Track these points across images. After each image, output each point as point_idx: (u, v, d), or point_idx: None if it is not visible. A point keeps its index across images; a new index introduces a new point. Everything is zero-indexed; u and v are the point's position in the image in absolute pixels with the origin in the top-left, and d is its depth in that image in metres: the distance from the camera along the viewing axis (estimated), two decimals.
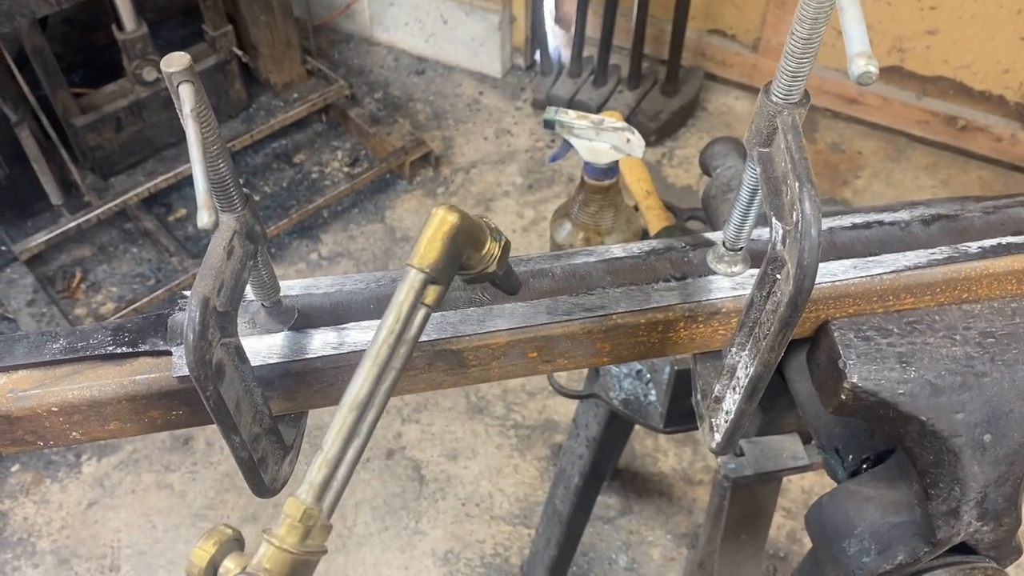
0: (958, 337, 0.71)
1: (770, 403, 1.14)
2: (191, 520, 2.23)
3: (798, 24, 0.53)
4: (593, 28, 3.09)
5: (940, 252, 0.73)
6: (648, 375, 1.33)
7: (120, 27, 2.46)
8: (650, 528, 2.21)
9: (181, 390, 0.66)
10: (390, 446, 2.37)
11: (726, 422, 0.68)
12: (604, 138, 1.09)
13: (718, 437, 0.70)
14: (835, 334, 0.71)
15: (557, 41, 3.31)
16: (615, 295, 0.71)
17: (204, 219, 0.50)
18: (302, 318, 0.69)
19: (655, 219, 1.39)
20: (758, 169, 0.61)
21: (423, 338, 0.68)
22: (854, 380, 0.68)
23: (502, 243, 0.57)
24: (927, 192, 2.93)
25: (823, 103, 3.13)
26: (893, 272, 0.71)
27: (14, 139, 2.33)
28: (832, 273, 0.71)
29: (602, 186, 1.15)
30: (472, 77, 3.38)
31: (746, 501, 1.24)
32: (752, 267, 0.73)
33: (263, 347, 0.68)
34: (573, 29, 3.10)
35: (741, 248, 0.71)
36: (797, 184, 0.55)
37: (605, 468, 1.72)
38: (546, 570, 1.90)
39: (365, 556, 2.17)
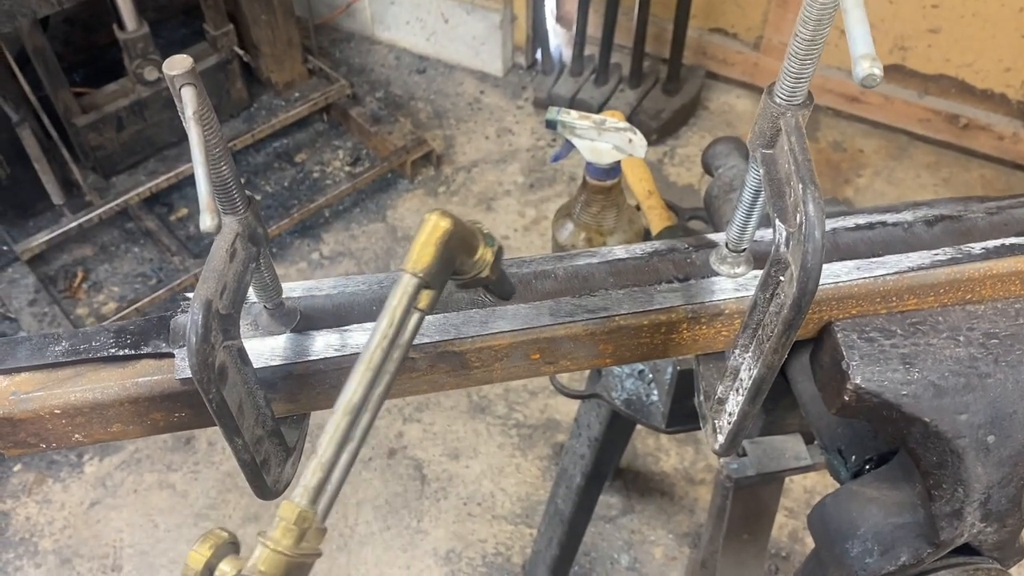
0: (962, 338, 0.71)
1: (772, 403, 1.13)
2: (193, 520, 2.23)
3: (801, 25, 0.53)
4: (594, 27, 3.08)
5: (944, 253, 0.73)
6: (650, 375, 1.33)
7: (121, 27, 2.46)
8: (652, 527, 2.21)
9: (183, 392, 0.66)
10: (392, 445, 2.37)
11: (729, 423, 0.68)
12: (606, 138, 1.08)
13: (721, 438, 0.70)
14: (838, 335, 0.71)
15: (558, 40, 3.31)
16: (618, 296, 0.70)
17: (207, 222, 0.50)
18: (304, 320, 0.69)
19: (657, 219, 1.39)
20: (761, 170, 0.61)
21: (425, 340, 0.68)
22: (857, 381, 0.68)
23: (495, 249, 0.57)
24: (929, 191, 2.93)
25: (825, 102, 3.12)
26: (896, 273, 0.71)
27: (15, 139, 2.33)
28: (835, 274, 0.71)
29: (604, 186, 1.15)
30: (473, 76, 3.38)
31: (748, 501, 1.24)
32: (755, 268, 0.72)
33: (265, 349, 0.68)
34: (574, 28, 3.10)
35: (744, 249, 0.71)
36: (801, 186, 0.54)
37: (607, 468, 1.72)
38: (548, 570, 1.90)
39: (367, 555, 2.17)
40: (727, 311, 0.71)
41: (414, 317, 0.51)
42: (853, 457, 0.85)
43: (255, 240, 0.61)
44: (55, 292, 2.61)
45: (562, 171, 3.02)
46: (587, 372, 1.55)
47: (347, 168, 3.01)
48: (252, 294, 0.69)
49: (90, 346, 0.67)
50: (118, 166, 2.68)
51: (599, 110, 3.04)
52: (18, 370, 0.67)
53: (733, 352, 0.68)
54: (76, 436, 0.68)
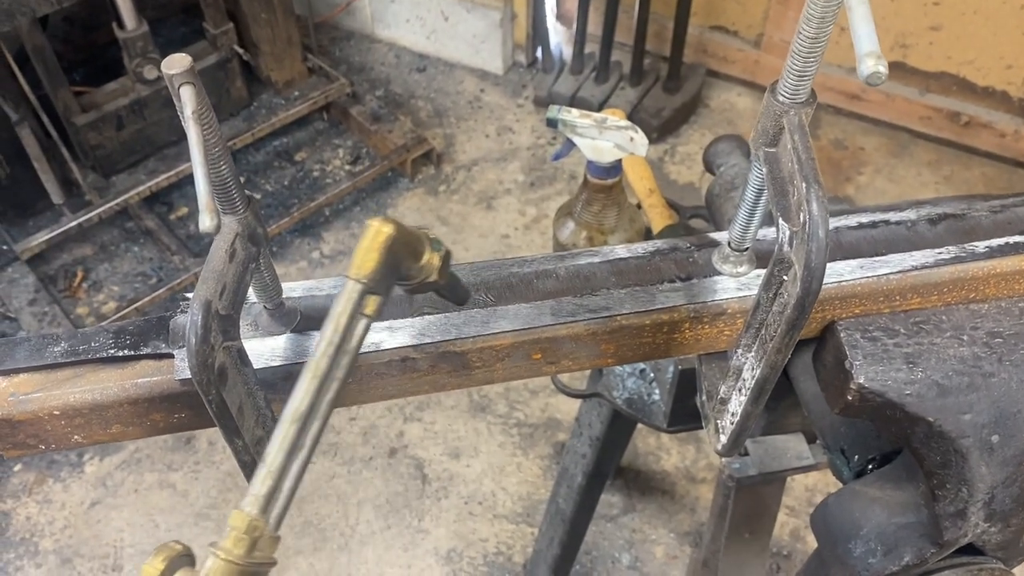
0: (965, 337, 0.70)
1: (774, 403, 1.13)
2: (194, 519, 2.23)
3: (805, 23, 0.53)
4: (595, 25, 3.08)
5: (947, 252, 0.72)
6: (652, 374, 1.33)
7: (121, 25, 2.46)
8: (653, 526, 2.21)
9: (183, 393, 0.66)
10: (392, 445, 2.37)
11: (732, 424, 0.68)
12: (607, 137, 1.08)
13: (724, 439, 0.69)
14: (841, 335, 0.70)
15: (558, 38, 3.30)
16: (620, 296, 0.70)
17: (206, 222, 0.49)
18: (304, 320, 0.69)
19: (658, 217, 1.39)
20: (764, 169, 0.60)
21: (427, 340, 0.68)
22: (861, 381, 0.68)
23: (442, 253, 0.57)
24: (930, 189, 2.93)
25: (826, 99, 3.12)
26: (900, 272, 0.71)
27: (15, 138, 2.33)
28: (838, 273, 0.71)
29: (605, 185, 1.15)
30: (473, 74, 3.37)
31: (750, 500, 1.23)
32: (758, 267, 0.72)
33: (265, 350, 0.67)
34: (575, 26, 3.09)
35: (747, 248, 0.71)
36: (804, 185, 0.54)
37: (608, 467, 1.72)
38: (549, 569, 1.90)
39: (368, 555, 2.17)
40: (730, 310, 0.71)
41: (361, 323, 0.51)
42: (856, 457, 0.84)
43: (255, 240, 0.61)
44: (55, 291, 2.61)
45: (562, 169, 3.01)
46: (588, 371, 1.55)
47: (347, 167, 3.01)
48: (252, 294, 0.68)
49: (89, 347, 0.67)
50: (118, 165, 2.68)
51: (600, 108, 3.04)
52: (17, 371, 0.66)
53: (736, 352, 0.68)
54: (75, 437, 0.68)
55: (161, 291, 2.53)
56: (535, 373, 0.72)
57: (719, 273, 0.72)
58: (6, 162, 2.44)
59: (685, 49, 3.04)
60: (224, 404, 0.58)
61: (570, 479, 1.71)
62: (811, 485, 2.24)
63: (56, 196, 2.48)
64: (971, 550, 0.76)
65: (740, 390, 0.67)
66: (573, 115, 1.08)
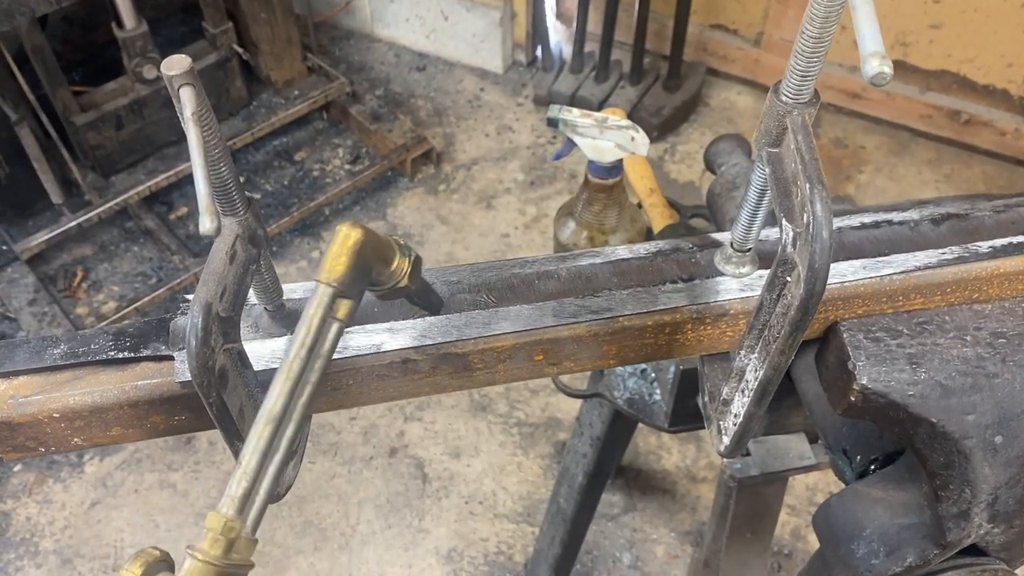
0: (969, 338, 0.70)
1: (776, 403, 1.13)
2: (194, 519, 2.22)
3: (808, 23, 0.52)
4: (594, 24, 3.07)
5: (950, 252, 0.72)
6: (653, 374, 1.32)
7: (120, 25, 2.45)
8: (654, 526, 2.21)
9: (183, 395, 0.66)
10: (393, 444, 2.37)
11: (735, 425, 0.68)
12: (608, 136, 1.08)
13: (727, 440, 0.69)
14: (844, 335, 0.70)
15: (558, 37, 3.29)
16: (622, 297, 0.70)
17: (206, 224, 0.49)
18: None
19: (659, 217, 1.39)
20: (767, 169, 0.60)
21: (428, 342, 0.67)
22: (864, 382, 0.68)
23: (411, 258, 0.58)
24: (930, 187, 2.92)
25: (826, 98, 3.12)
26: (903, 272, 0.71)
27: (14, 138, 2.33)
28: (841, 274, 0.70)
29: (606, 184, 1.14)
30: (473, 73, 3.37)
31: (752, 501, 1.23)
32: (760, 268, 0.72)
33: (266, 352, 0.67)
34: (574, 25, 3.09)
35: (749, 249, 0.71)
36: (808, 185, 0.54)
37: (609, 467, 1.71)
38: (550, 568, 1.90)
39: (368, 554, 2.17)
40: (732, 311, 0.70)
41: (333, 327, 0.52)
42: (858, 457, 0.84)
43: (255, 242, 0.61)
44: (55, 291, 2.60)
45: (562, 168, 3.01)
46: (589, 371, 1.55)
47: (347, 166, 3.00)
48: (252, 296, 0.68)
49: (89, 349, 0.67)
50: (117, 165, 2.68)
51: (600, 107, 3.04)
52: (16, 373, 0.66)
53: (739, 353, 0.68)
54: (75, 440, 0.67)
55: (161, 291, 2.52)
56: (537, 374, 0.72)
57: (721, 274, 0.72)
58: (5, 162, 2.43)
59: (685, 48, 3.03)
60: (225, 407, 0.58)
61: (571, 479, 1.71)
62: (812, 484, 2.24)
63: (56, 196, 2.47)
64: (974, 551, 0.76)
65: (743, 391, 0.66)
66: (574, 115, 1.07)
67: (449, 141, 3.12)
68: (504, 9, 3.16)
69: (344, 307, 0.52)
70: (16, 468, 2.34)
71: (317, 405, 0.71)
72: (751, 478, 1.18)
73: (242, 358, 0.61)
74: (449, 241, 2.79)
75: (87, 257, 2.75)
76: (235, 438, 0.60)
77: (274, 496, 0.67)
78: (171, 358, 0.66)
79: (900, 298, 0.71)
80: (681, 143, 3.09)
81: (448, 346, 0.67)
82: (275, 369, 0.66)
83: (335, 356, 0.67)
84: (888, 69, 0.43)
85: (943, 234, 0.74)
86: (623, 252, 0.73)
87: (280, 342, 0.67)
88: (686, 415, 1.27)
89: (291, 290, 0.71)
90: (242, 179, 2.94)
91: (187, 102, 0.51)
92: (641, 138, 1.08)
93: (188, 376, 0.61)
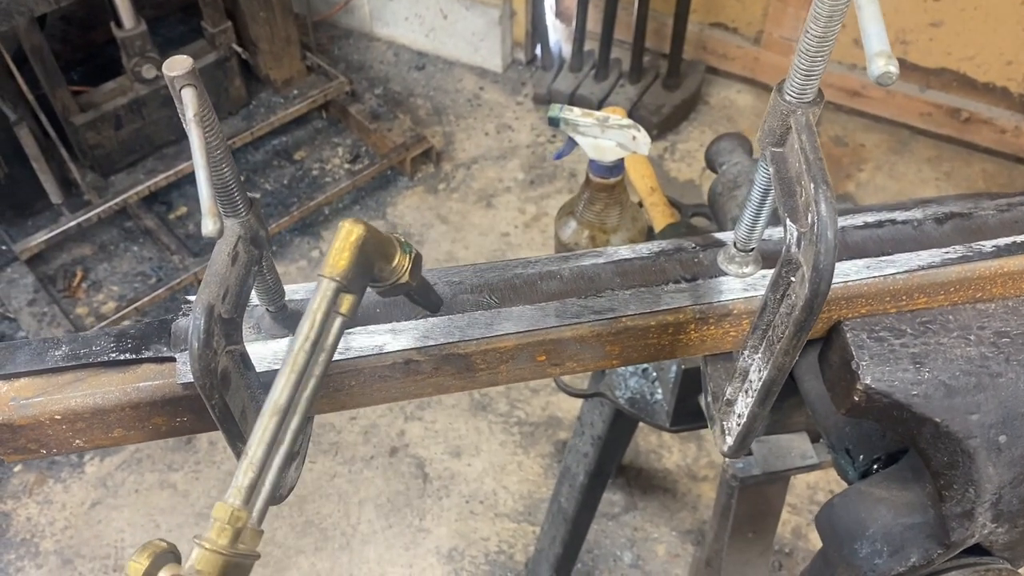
0: (972, 337, 0.70)
1: (779, 402, 1.13)
2: (194, 519, 2.22)
3: (812, 22, 0.52)
4: (594, 22, 3.07)
5: (954, 251, 0.72)
6: (654, 373, 1.32)
7: (119, 24, 2.45)
8: (655, 525, 2.20)
9: (185, 397, 0.65)
10: (393, 444, 2.36)
11: (738, 425, 0.68)
12: (609, 135, 1.07)
13: (730, 440, 0.69)
14: (848, 335, 0.70)
15: (558, 35, 3.29)
16: (624, 297, 0.70)
17: (208, 226, 0.49)
18: None
19: (660, 216, 1.38)
20: (771, 169, 0.60)
21: (430, 342, 0.67)
22: (867, 381, 0.67)
23: (412, 255, 0.59)
24: (930, 185, 2.92)
25: (826, 96, 3.10)
26: (906, 272, 0.70)
27: (13, 138, 2.32)
28: (844, 273, 0.70)
29: (607, 184, 1.14)
30: (473, 72, 3.36)
31: (754, 500, 1.23)
32: (764, 268, 0.72)
33: (268, 353, 0.67)
34: (574, 23, 3.08)
35: (752, 249, 0.70)
36: (812, 185, 0.54)
37: (610, 466, 1.71)
38: (551, 568, 1.90)
39: (369, 554, 2.17)
40: (735, 311, 0.70)
41: (336, 322, 0.52)
42: (861, 457, 0.84)
43: (257, 243, 0.60)
44: (54, 292, 2.60)
45: (562, 167, 3.01)
46: None
47: (346, 165, 3.00)
48: (254, 297, 0.68)
49: (90, 350, 0.66)
50: (117, 165, 2.67)
51: (599, 106, 3.03)
52: (18, 375, 0.66)
53: (742, 353, 0.67)
54: (77, 441, 0.67)
55: (161, 291, 2.52)
56: (539, 375, 0.72)
57: (725, 274, 0.72)
58: (5, 162, 2.43)
59: (685, 46, 3.03)
60: (227, 408, 0.57)
61: (572, 478, 1.71)
62: (813, 483, 2.24)
63: (55, 196, 2.47)
64: (978, 550, 0.75)
65: (746, 392, 0.66)
66: (575, 114, 1.07)
67: (449, 140, 3.12)
68: (503, 8, 3.16)
69: (347, 302, 0.52)
70: (16, 468, 2.34)
71: (319, 406, 0.70)
72: (753, 477, 1.18)
73: (244, 360, 0.61)
74: (449, 240, 2.79)
75: (87, 257, 2.74)
76: (238, 440, 0.60)
77: (276, 497, 0.67)
78: (173, 360, 0.66)
79: (904, 297, 0.71)
80: (681, 141, 3.09)
81: (451, 347, 0.67)
82: (277, 371, 0.66)
83: (338, 358, 0.67)
84: (894, 68, 0.43)
85: (946, 233, 0.74)
86: (626, 252, 0.73)
87: (282, 343, 0.67)
88: (688, 414, 1.27)
89: (293, 291, 0.71)
90: (242, 179, 2.94)
91: (189, 103, 0.51)
92: (642, 137, 1.07)
93: (190, 378, 0.61)
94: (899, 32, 2.88)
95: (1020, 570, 0.78)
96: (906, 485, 0.76)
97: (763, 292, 0.66)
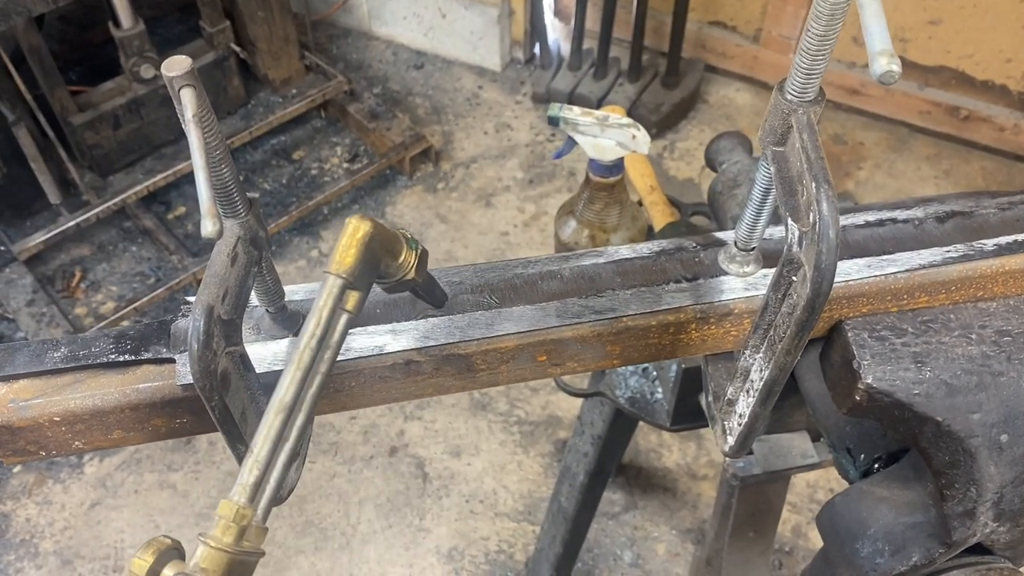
0: (974, 336, 0.70)
1: (779, 401, 1.12)
2: (194, 520, 2.22)
3: (814, 20, 0.52)
4: (593, 21, 3.07)
5: (955, 250, 0.72)
6: (654, 372, 1.32)
7: (117, 24, 2.45)
8: (655, 524, 2.20)
9: (185, 398, 0.65)
10: (393, 443, 2.36)
11: (740, 425, 0.67)
12: (609, 135, 1.07)
13: (731, 440, 0.69)
14: (849, 334, 0.70)
15: (556, 34, 3.29)
16: (625, 297, 0.69)
17: (208, 227, 0.48)
18: None
19: (659, 215, 1.38)
20: (772, 168, 0.60)
21: (431, 343, 0.67)
22: (869, 381, 0.67)
23: (418, 251, 0.59)
24: (929, 183, 2.92)
25: (826, 94, 3.11)
26: (907, 271, 0.70)
27: (11, 138, 2.32)
28: (846, 272, 0.70)
29: (607, 183, 1.14)
30: (471, 71, 3.36)
31: (754, 499, 1.23)
32: (765, 267, 0.71)
33: (268, 354, 0.67)
34: (572, 22, 3.08)
35: (753, 248, 0.70)
36: (814, 184, 0.53)
37: (610, 465, 1.71)
38: (551, 567, 1.89)
39: (369, 554, 2.17)
40: (736, 311, 0.70)
41: (342, 318, 0.52)
42: (862, 456, 0.84)
43: (257, 244, 0.60)
44: (53, 292, 2.60)
45: (561, 166, 3.00)
46: None
47: (345, 165, 3.00)
48: (254, 298, 0.67)
49: (89, 352, 0.66)
50: (115, 165, 2.67)
51: (598, 104, 3.03)
52: (17, 377, 0.66)
53: (743, 353, 0.67)
54: (76, 443, 0.67)
55: (160, 291, 2.52)
56: (540, 375, 0.71)
57: (725, 273, 0.71)
58: (3, 163, 2.42)
59: (683, 45, 3.03)
60: (227, 410, 0.57)
61: (572, 477, 1.71)
62: (813, 481, 2.24)
63: (53, 196, 2.47)
64: (979, 549, 0.75)
65: (748, 392, 0.66)
66: (575, 113, 1.07)
67: (447, 139, 3.12)
68: (502, 6, 3.16)
69: (353, 299, 0.52)
70: (16, 469, 2.34)
71: (320, 407, 0.70)
72: (753, 476, 1.18)
73: (244, 361, 0.61)
74: (448, 239, 2.79)
75: (85, 257, 2.74)
76: (238, 441, 0.60)
77: (276, 499, 0.67)
78: (172, 361, 0.65)
79: (905, 296, 0.71)
80: (680, 140, 3.09)
81: (451, 347, 0.67)
82: (277, 371, 0.66)
83: (338, 358, 0.67)
84: (896, 67, 0.43)
85: (947, 232, 0.74)
86: (626, 252, 0.73)
87: (282, 344, 0.67)
88: (688, 413, 1.27)
89: (292, 291, 0.70)
90: (241, 178, 2.94)
91: (188, 104, 0.51)
92: (642, 136, 1.07)
93: (190, 379, 0.61)
94: (898, 30, 2.88)
95: (1022, 569, 0.78)
96: (907, 484, 0.76)
97: (764, 291, 0.66)
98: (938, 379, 0.68)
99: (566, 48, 3.19)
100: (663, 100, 3.07)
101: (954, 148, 3.00)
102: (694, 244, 0.74)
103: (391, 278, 0.58)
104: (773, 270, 0.63)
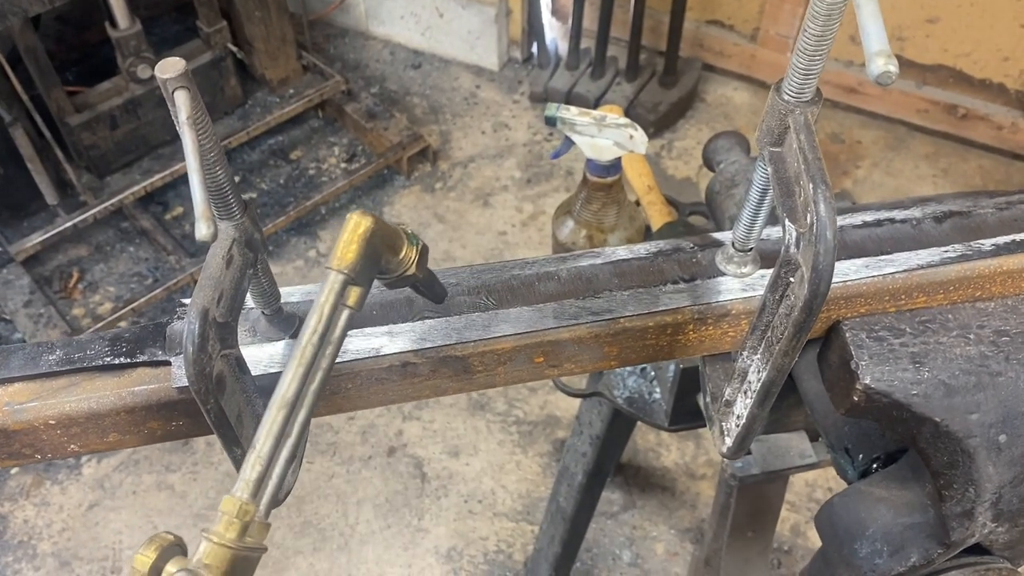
0: (972, 336, 0.70)
1: (778, 402, 1.12)
2: (192, 521, 2.22)
3: (811, 21, 0.52)
4: (590, 20, 3.07)
5: (953, 250, 0.71)
6: (652, 372, 1.32)
7: (114, 24, 2.44)
8: (653, 523, 2.20)
9: (181, 401, 0.65)
10: (391, 444, 2.36)
11: (737, 426, 0.67)
12: (606, 135, 1.07)
13: (729, 441, 0.69)
14: (847, 334, 0.69)
15: (554, 33, 3.29)
16: (622, 298, 0.69)
17: (203, 230, 0.48)
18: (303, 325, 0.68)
19: (657, 215, 1.38)
20: (769, 169, 0.59)
21: (428, 344, 0.67)
22: (867, 381, 0.67)
23: (419, 247, 0.59)
24: (927, 181, 2.92)
25: (823, 93, 3.11)
26: (905, 271, 0.70)
27: (8, 139, 2.32)
28: (843, 272, 0.70)
29: (605, 183, 1.14)
30: (469, 70, 3.36)
31: (753, 499, 1.23)
32: (762, 267, 0.71)
33: (264, 356, 0.66)
34: (570, 21, 3.08)
35: (751, 249, 0.70)
36: (811, 185, 0.53)
37: (609, 465, 1.71)
38: (550, 566, 1.89)
39: (368, 554, 2.17)
40: (734, 311, 0.70)
41: (344, 314, 0.52)
42: (860, 456, 0.83)
43: (252, 246, 0.60)
44: (50, 293, 2.59)
45: (559, 166, 3.00)
46: None
47: (343, 165, 2.99)
48: (250, 300, 0.67)
49: (85, 355, 0.66)
50: (112, 165, 2.66)
51: (596, 104, 3.03)
52: (11, 380, 0.65)
53: (741, 354, 0.67)
54: (72, 446, 0.67)
55: (157, 291, 2.51)
56: (537, 376, 0.71)
57: (723, 274, 0.71)
58: (0, 163, 2.42)
59: (681, 44, 3.02)
60: (223, 413, 0.57)
61: (570, 477, 1.70)
62: (811, 480, 2.24)
63: (50, 197, 2.46)
64: (978, 550, 0.75)
65: (746, 392, 0.66)
66: (572, 113, 1.07)
67: (445, 139, 3.12)
68: (499, 6, 3.15)
69: (354, 294, 0.52)
70: (13, 471, 2.34)
71: (317, 409, 0.70)
72: (752, 476, 1.18)
73: (240, 363, 0.61)
74: (446, 239, 2.79)
75: (83, 258, 2.74)
76: (233, 444, 0.60)
77: (274, 501, 0.66)
78: (168, 363, 0.65)
79: (903, 297, 0.70)
80: (678, 139, 3.08)
81: (448, 349, 0.67)
82: (274, 374, 0.66)
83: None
84: (894, 68, 0.43)
85: (945, 232, 0.74)
86: (623, 252, 0.73)
87: (278, 346, 0.67)
88: (686, 413, 1.27)
89: (288, 293, 0.70)
90: (237, 179, 2.93)
91: (182, 106, 0.50)
92: (639, 136, 1.07)
93: (185, 382, 0.61)
94: (895, 28, 2.88)
95: (1020, 569, 0.78)
96: (906, 484, 0.76)
97: (762, 292, 0.65)
98: (936, 379, 0.67)
99: (564, 47, 3.19)
100: (661, 99, 3.07)
101: (952, 146, 3.00)
102: (691, 245, 0.74)
103: (392, 274, 0.59)
104: (771, 271, 0.62)
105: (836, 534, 0.78)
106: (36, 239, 2.47)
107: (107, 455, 2.34)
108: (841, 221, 0.74)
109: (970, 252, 0.71)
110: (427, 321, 0.68)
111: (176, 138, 2.73)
